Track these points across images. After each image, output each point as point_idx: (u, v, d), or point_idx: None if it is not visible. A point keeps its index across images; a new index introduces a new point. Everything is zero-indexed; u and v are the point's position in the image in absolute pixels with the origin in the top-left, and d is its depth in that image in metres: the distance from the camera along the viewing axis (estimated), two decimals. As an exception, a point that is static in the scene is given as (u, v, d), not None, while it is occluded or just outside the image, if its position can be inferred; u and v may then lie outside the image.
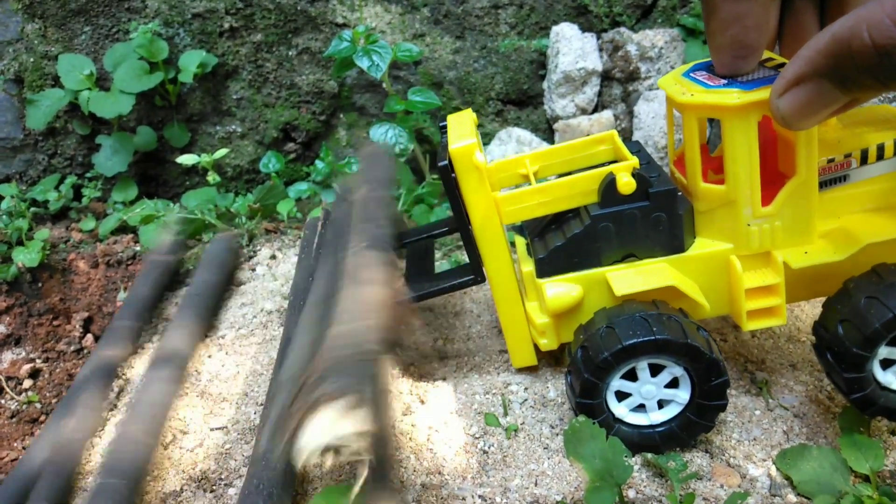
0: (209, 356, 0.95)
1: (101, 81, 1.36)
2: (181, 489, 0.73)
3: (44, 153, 1.42)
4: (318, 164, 1.37)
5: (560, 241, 0.72)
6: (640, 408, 0.71)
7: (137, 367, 0.95)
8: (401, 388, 0.81)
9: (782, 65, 0.63)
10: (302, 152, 1.46)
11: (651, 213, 0.69)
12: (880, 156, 0.67)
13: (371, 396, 0.55)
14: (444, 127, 0.78)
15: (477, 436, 0.76)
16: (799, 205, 0.67)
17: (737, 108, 0.61)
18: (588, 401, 0.69)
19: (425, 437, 0.76)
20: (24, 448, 0.91)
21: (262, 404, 0.85)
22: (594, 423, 0.67)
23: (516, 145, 1.30)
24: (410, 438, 0.76)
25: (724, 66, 0.63)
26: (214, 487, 0.74)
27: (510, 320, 0.79)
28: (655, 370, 0.68)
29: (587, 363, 0.67)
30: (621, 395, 0.70)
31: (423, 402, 0.82)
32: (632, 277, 0.71)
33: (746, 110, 0.61)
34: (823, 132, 0.68)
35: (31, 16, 1.34)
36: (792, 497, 0.66)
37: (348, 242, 0.79)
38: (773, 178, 0.69)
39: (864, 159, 0.68)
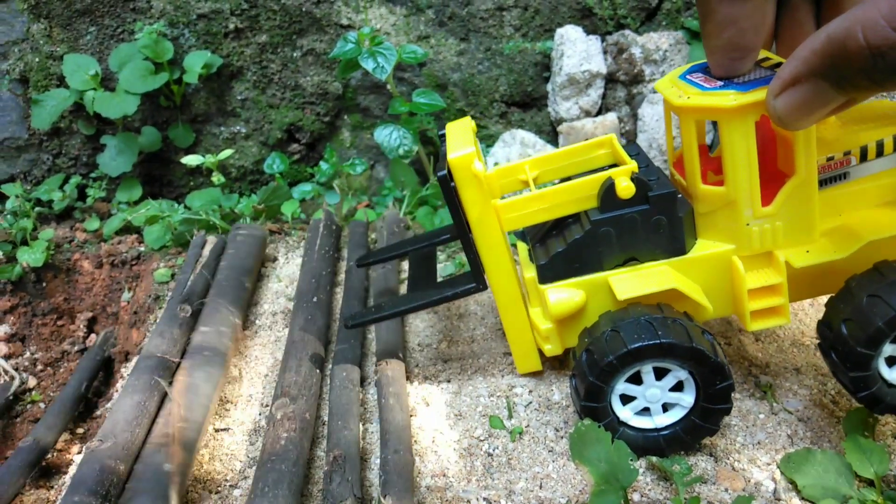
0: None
1: (107, 82, 1.36)
2: (186, 490, 0.73)
3: (48, 153, 1.43)
4: (323, 165, 1.38)
5: (561, 247, 0.72)
6: (645, 411, 0.71)
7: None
8: (406, 391, 0.82)
9: (779, 64, 0.63)
10: (306, 153, 1.46)
11: (651, 217, 0.69)
12: (880, 152, 0.67)
13: None
14: (444, 136, 0.78)
15: (481, 438, 0.76)
16: (799, 204, 0.67)
17: (734, 109, 0.61)
18: (593, 404, 0.69)
19: (430, 440, 0.77)
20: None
21: (266, 406, 0.85)
22: (599, 427, 0.67)
23: (520, 147, 1.31)
24: (415, 441, 0.76)
25: (720, 67, 0.63)
26: (219, 489, 0.74)
27: (514, 327, 0.79)
28: (660, 374, 0.68)
29: (592, 366, 0.67)
30: (626, 399, 0.70)
31: (427, 404, 0.82)
32: (633, 281, 0.71)
33: (743, 112, 0.61)
34: (822, 130, 0.67)
35: (36, 16, 1.34)
36: (796, 501, 0.66)
37: None
38: (774, 176, 0.69)
39: (863, 156, 0.67)
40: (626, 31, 1.32)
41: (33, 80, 1.37)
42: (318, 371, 0.85)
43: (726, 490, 0.68)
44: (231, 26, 1.34)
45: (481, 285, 0.78)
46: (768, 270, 0.70)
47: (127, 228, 1.32)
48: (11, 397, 1.06)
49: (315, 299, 0.98)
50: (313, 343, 0.89)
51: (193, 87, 1.38)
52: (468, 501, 0.69)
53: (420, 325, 0.98)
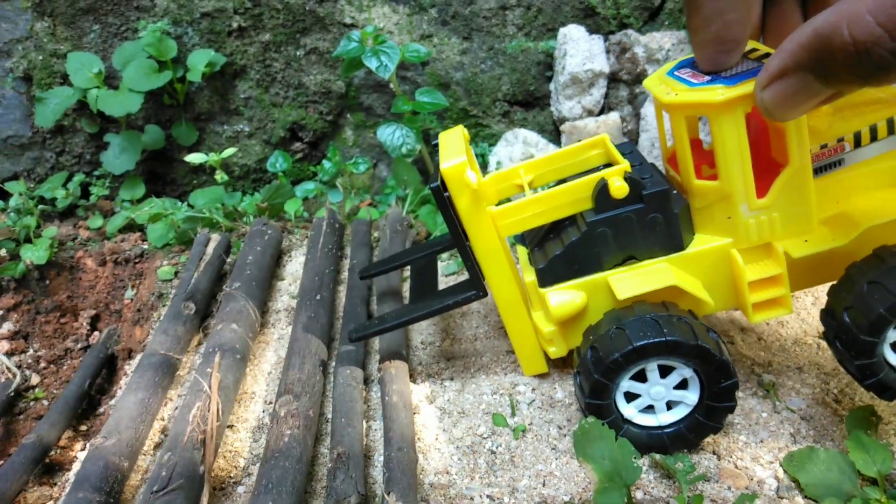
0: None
1: (110, 80, 1.36)
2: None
3: (52, 151, 1.43)
4: (326, 163, 1.38)
5: (559, 250, 0.72)
6: (649, 409, 0.71)
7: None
8: (409, 389, 0.82)
9: (766, 55, 0.62)
10: (309, 152, 1.46)
11: (647, 215, 0.69)
12: (874, 137, 0.67)
13: None
14: (437, 145, 0.78)
15: (485, 436, 0.76)
16: (795, 193, 0.66)
17: (722, 104, 0.61)
18: (597, 401, 0.69)
19: (433, 437, 0.77)
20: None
21: (270, 403, 0.85)
22: (603, 424, 0.67)
23: (523, 146, 1.31)
24: (419, 438, 0.76)
25: (707, 61, 0.62)
26: (223, 486, 0.74)
27: (517, 331, 0.79)
28: (665, 371, 0.68)
29: (597, 364, 0.67)
30: (630, 396, 0.70)
31: (431, 402, 0.82)
32: (633, 280, 0.71)
33: (732, 105, 0.61)
34: (814, 118, 0.67)
35: (40, 14, 1.35)
36: (799, 499, 0.66)
37: None
38: (768, 166, 0.69)
39: (857, 142, 0.67)
40: (629, 31, 1.32)
41: (37, 77, 1.38)
42: (321, 369, 0.85)
43: (729, 488, 0.68)
44: (234, 25, 1.34)
45: (481, 292, 0.78)
46: (768, 262, 0.70)
47: (130, 226, 1.32)
48: (13, 394, 1.06)
49: (318, 297, 0.98)
50: (316, 341, 0.89)
51: (197, 85, 1.38)
52: (471, 499, 0.69)
53: (423, 324, 0.98)
